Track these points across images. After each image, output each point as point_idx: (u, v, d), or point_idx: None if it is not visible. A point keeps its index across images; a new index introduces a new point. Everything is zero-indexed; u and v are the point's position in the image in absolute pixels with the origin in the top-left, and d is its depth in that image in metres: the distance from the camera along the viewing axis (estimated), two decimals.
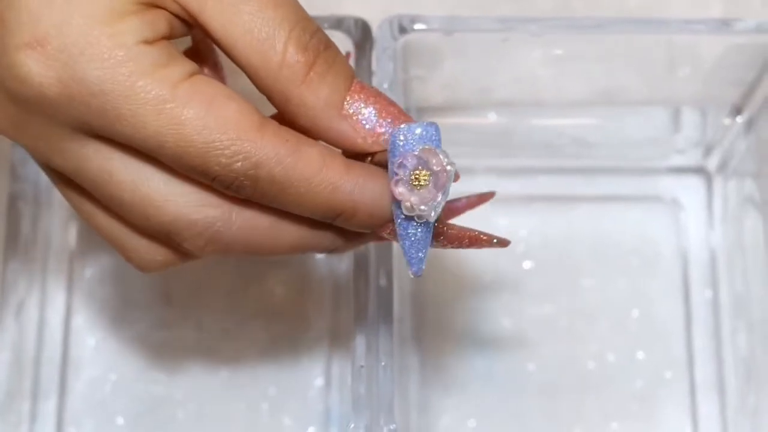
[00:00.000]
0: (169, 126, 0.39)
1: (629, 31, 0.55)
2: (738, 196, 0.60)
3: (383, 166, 0.41)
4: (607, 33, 0.55)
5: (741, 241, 0.59)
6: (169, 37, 0.40)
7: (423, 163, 0.40)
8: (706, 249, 0.61)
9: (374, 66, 0.53)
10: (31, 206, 0.56)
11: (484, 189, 0.50)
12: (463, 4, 0.62)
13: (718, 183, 0.61)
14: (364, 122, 0.41)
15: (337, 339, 0.58)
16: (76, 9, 0.38)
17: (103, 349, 0.58)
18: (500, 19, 0.54)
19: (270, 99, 0.41)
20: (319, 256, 0.59)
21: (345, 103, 0.41)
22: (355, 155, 0.42)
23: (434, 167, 0.40)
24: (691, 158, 0.61)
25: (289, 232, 0.43)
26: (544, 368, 0.59)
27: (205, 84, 0.40)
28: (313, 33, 0.40)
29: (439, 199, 0.40)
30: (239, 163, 0.39)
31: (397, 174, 0.40)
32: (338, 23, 0.53)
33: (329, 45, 0.41)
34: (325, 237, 0.43)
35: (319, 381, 0.58)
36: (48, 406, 0.57)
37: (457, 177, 0.41)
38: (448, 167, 0.40)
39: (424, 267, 0.42)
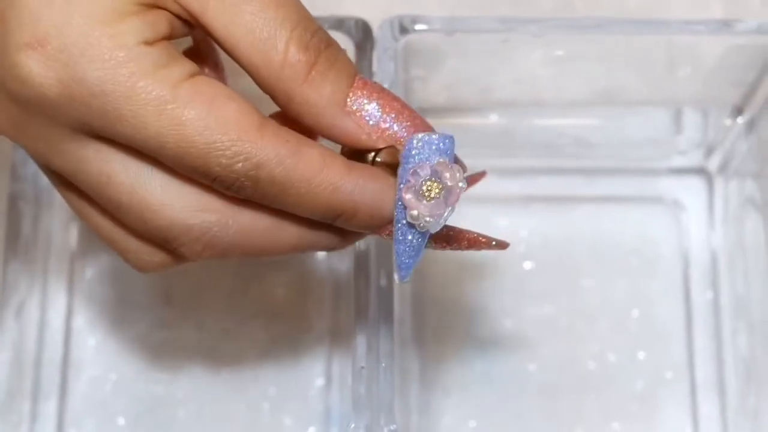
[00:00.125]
0: (170, 126, 0.39)
1: (630, 32, 0.55)
2: (739, 196, 0.60)
3: (388, 164, 0.41)
4: (607, 33, 0.55)
5: (742, 241, 0.59)
6: (169, 37, 0.40)
7: (436, 175, 0.40)
8: (706, 250, 0.61)
9: (375, 66, 0.53)
10: (31, 206, 0.56)
11: (485, 189, 0.51)
12: (463, 5, 0.62)
13: (719, 184, 0.61)
14: (367, 118, 0.41)
15: (338, 339, 0.58)
16: (76, 9, 0.38)
17: (103, 349, 0.58)
18: (501, 19, 0.54)
19: (273, 98, 0.41)
20: (320, 256, 0.59)
21: (348, 99, 0.41)
22: (360, 153, 0.42)
23: (448, 182, 0.40)
24: (692, 159, 0.61)
25: (288, 234, 0.43)
26: (545, 369, 0.59)
27: (205, 84, 0.40)
28: (314, 32, 0.40)
29: (446, 214, 0.40)
30: (240, 164, 0.39)
31: (409, 181, 0.40)
32: (339, 24, 0.53)
33: (331, 43, 0.41)
34: (323, 237, 0.43)
35: (320, 381, 0.58)
36: (49, 407, 0.57)
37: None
38: (461, 184, 0.40)
39: (411, 273, 0.42)
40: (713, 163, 0.61)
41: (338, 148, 0.42)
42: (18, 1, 0.39)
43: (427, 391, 0.58)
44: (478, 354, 0.59)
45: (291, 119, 0.41)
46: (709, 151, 0.61)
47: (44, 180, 0.54)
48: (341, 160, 0.41)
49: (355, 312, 0.51)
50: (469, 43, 0.55)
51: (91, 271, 0.59)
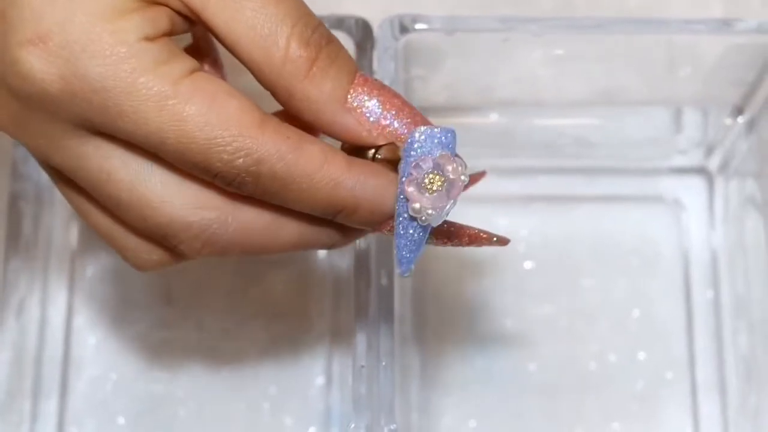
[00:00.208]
0: (171, 122, 0.39)
1: (630, 31, 0.55)
2: (739, 196, 0.60)
3: (389, 161, 0.41)
4: (607, 33, 0.55)
5: (742, 241, 0.59)
6: (170, 33, 0.40)
7: (438, 168, 0.40)
8: (707, 249, 0.61)
9: (375, 66, 0.53)
10: (32, 205, 0.56)
11: (485, 189, 0.51)
12: (463, 4, 0.62)
13: (719, 183, 0.61)
14: (368, 115, 0.41)
15: (338, 338, 0.58)
16: (78, 6, 0.39)
17: (104, 348, 0.58)
18: (501, 18, 0.54)
19: (274, 94, 0.41)
20: (320, 255, 0.59)
21: (349, 96, 0.41)
22: (360, 149, 0.42)
23: (450, 175, 0.40)
24: (693, 158, 0.61)
25: (288, 231, 0.43)
26: (545, 368, 0.59)
27: (206, 81, 0.40)
28: (315, 28, 0.40)
29: (448, 207, 0.40)
30: (241, 160, 0.39)
31: (411, 174, 0.40)
32: (339, 23, 0.53)
33: (331, 40, 0.41)
34: (323, 233, 0.43)
35: (320, 380, 0.58)
36: (49, 406, 0.57)
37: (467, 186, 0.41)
38: (463, 177, 0.40)
39: (412, 268, 0.42)
40: (713, 163, 0.61)
41: (338, 145, 0.42)
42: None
43: (428, 390, 0.58)
44: (479, 353, 0.59)
45: (292, 117, 0.41)
46: (710, 151, 0.61)
47: (45, 178, 0.54)
48: (342, 156, 0.41)
49: (356, 311, 0.51)
50: (469, 43, 0.55)
51: (91, 270, 0.59)
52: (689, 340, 0.60)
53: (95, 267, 0.59)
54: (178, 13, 0.40)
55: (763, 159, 0.58)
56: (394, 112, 0.42)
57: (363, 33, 0.53)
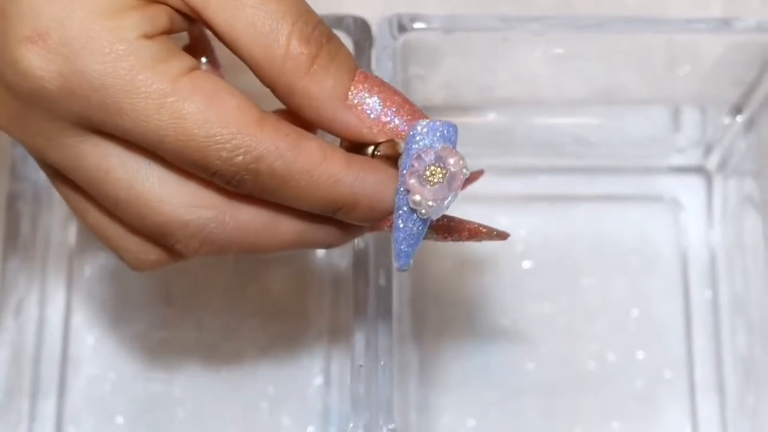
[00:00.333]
0: (169, 120, 0.39)
1: (629, 30, 0.55)
2: (738, 195, 0.60)
3: (389, 157, 0.41)
4: (607, 32, 0.55)
5: (741, 240, 0.59)
6: (169, 31, 0.40)
7: (440, 160, 0.40)
8: (705, 248, 0.61)
9: (374, 65, 0.53)
10: (30, 205, 0.56)
11: (484, 188, 0.51)
12: (463, 3, 0.62)
13: (718, 182, 0.61)
14: (369, 112, 0.41)
15: (337, 338, 0.58)
16: (77, 3, 0.39)
17: (102, 347, 0.58)
18: (500, 17, 0.54)
19: (274, 92, 0.41)
20: (319, 254, 0.59)
21: (349, 93, 0.41)
22: (360, 146, 0.42)
23: (451, 167, 0.40)
24: (691, 157, 0.61)
25: (286, 230, 0.43)
26: (544, 368, 0.59)
27: (204, 79, 0.40)
28: (315, 25, 0.40)
29: (448, 199, 0.40)
30: (240, 157, 0.39)
31: (413, 165, 0.40)
32: (338, 22, 0.53)
33: (332, 37, 0.41)
34: (322, 232, 0.43)
35: (318, 380, 0.58)
36: (47, 405, 0.57)
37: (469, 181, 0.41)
38: (464, 170, 0.40)
39: (411, 262, 0.42)
40: (712, 162, 0.61)
41: (338, 142, 0.42)
42: None
43: (426, 390, 0.58)
44: (478, 352, 0.59)
45: (291, 115, 0.41)
46: (708, 150, 0.61)
47: (43, 179, 0.54)
48: (341, 153, 0.41)
49: (354, 310, 0.51)
50: (468, 42, 0.55)
51: (89, 270, 0.59)
52: (688, 340, 0.60)
53: (93, 267, 0.59)
54: (178, 11, 0.40)
55: (761, 158, 0.58)
56: (394, 109, 0.42)
57: (361, 32, 0.53)
